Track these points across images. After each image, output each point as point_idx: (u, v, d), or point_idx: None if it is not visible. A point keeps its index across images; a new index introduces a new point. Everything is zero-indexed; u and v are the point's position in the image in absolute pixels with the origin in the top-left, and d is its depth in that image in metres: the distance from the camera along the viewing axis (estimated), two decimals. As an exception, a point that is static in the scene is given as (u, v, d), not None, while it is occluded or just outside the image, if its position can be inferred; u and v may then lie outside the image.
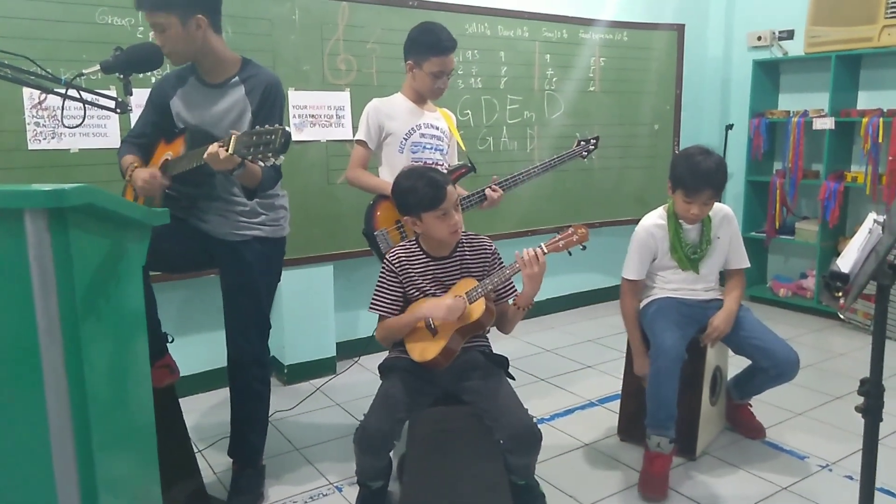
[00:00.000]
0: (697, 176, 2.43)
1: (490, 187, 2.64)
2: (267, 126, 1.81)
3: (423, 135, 2.70)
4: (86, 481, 1.34)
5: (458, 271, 2.21)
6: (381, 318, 2.20)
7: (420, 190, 2.08)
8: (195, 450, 2.53)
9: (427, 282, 2.18)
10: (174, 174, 2.12)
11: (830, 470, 2.57)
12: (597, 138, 3.00)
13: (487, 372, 2.15)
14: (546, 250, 2.07)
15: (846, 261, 1.69)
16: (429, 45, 2.60)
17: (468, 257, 2.23)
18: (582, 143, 2.97)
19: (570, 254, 2.13)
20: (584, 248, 2.11)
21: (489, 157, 4.04)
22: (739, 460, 2.64)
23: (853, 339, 4.10)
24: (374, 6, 3.55)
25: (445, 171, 2.65)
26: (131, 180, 2.17)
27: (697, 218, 2.54)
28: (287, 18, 3.30)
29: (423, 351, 2.12)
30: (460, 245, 2.23)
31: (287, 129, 1.78)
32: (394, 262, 2.20)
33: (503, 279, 2.12)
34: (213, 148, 1.90)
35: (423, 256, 2.20)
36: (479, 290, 2.10)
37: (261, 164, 1.83)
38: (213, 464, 2.66)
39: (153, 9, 2.05)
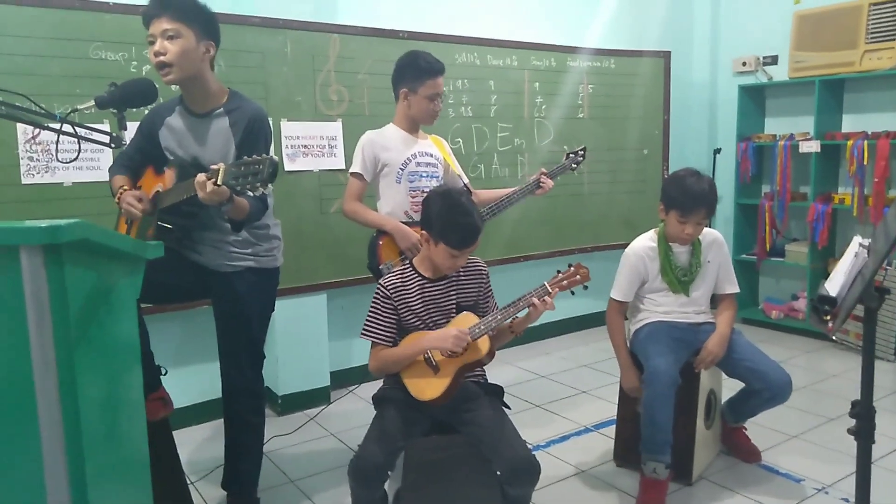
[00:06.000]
0: (691, 196, 2.52)
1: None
2: (254, 156, 1.80)
3: (419, 164, 2.73)
4: (79, 516, 1.33)
5: (454, 293, 2.21)
6: (373, 345, 2.18)
7: (458, 226, 2.06)
8: (189, 482, 2.52)
9: (423, 304, 2.18)
10: (166, 206, 2.13)
11: (827, 493, 2.57)
12: (584, 149, 3.15)
13: (484, 403, 2.14)
14: (552, 293, 2.13)
15: (834, 284, 1.71)
16: (422, 69, 2.65)
17: (462, 279, 2.24)
18: (570, 155, 3.14)
19: (573, 293, 2.18)
20: (587, 287, 2.17)
21: (481, 185, 4.03)
22: (736, 484, 2.64)
23: (846, 360, 4.11)
24: (365, 37, 3.60)
25: None
26: (119, 201, 2.19)
27: (691, 238, 2.59)
28: (279, 51, 3.34)
29: (425, 389, 2.09)
30: None
31: (274, 158, 1.77)
32: (388, 287, 2.18)
33: (507, 318, 2.11)
34: (200, 177, 1.88)
35: (418, 278, 2.20)
36: (482, 327, 2.08)
37: (249, 193, 1.82)
38: (207, 497, 2.64)
39: (176, 17, 2.04)
